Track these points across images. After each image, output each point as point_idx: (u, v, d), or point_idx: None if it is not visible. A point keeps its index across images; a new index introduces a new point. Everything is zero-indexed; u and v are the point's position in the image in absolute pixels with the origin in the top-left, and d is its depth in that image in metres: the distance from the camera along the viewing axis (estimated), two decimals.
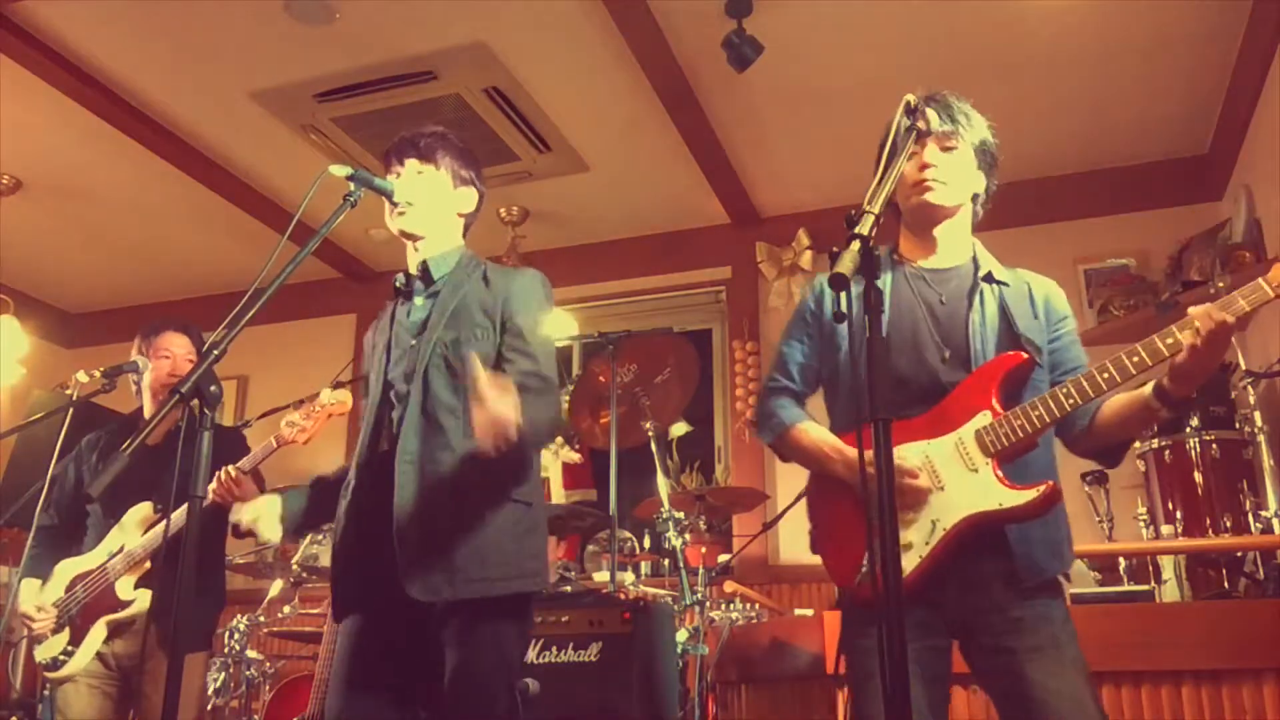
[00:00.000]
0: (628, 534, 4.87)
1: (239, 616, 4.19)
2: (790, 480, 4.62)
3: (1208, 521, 3.44)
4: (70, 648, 2.80)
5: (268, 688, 4.10)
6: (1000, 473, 1.79)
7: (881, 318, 1.48)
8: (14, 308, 5.47)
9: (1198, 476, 3.52)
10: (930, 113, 1.93)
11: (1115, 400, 1.85)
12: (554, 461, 4.82)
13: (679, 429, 5.14)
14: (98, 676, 2.82)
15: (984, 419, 1.81)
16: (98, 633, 2.80)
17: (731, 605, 3.80)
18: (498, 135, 4.60)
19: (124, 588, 2.81)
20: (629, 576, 3.82)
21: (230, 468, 2.53)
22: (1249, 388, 3.48)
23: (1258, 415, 3.46)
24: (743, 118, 4.50)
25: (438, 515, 1.99)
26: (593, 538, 4.75)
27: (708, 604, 3.55)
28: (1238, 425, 3.52)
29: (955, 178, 1.94)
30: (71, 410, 3.04)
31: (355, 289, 6.00)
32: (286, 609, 4.26)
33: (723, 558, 4.46)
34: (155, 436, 2.88)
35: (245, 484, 2.53)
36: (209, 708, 4.00)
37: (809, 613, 3.88)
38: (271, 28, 3.90)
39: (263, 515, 2.15)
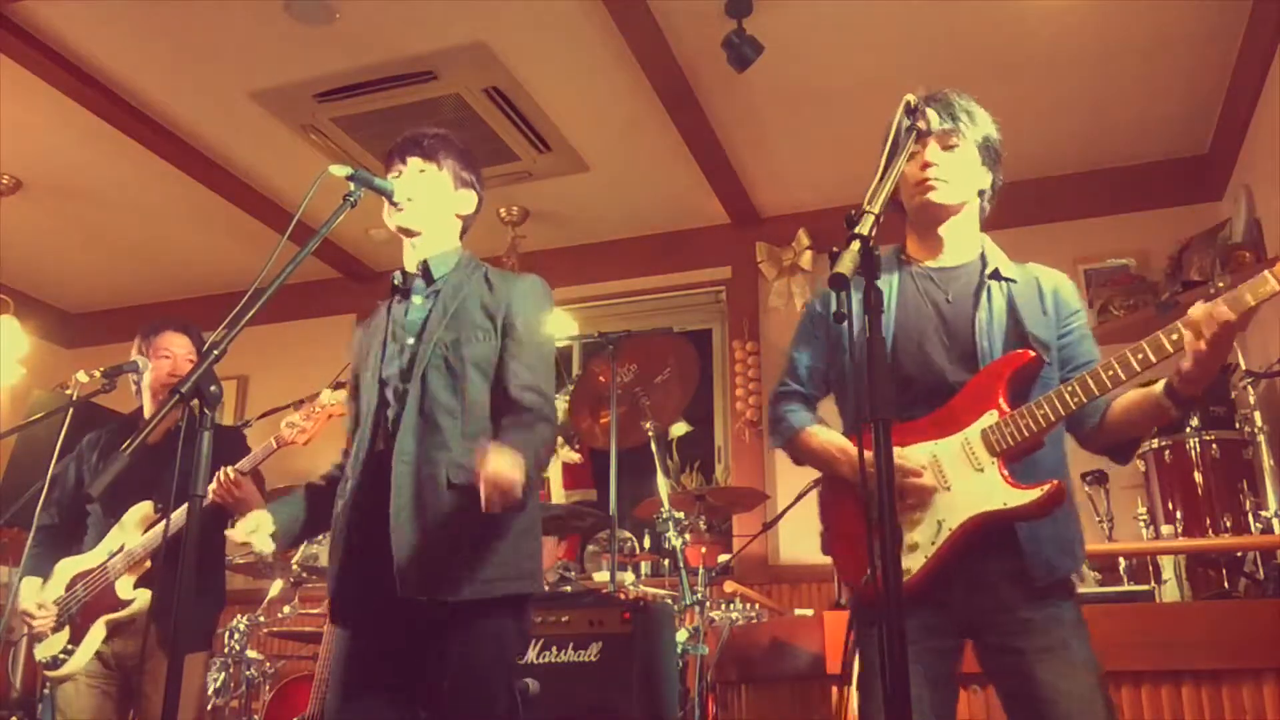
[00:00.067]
0: (628, 534, 4.87)
1: (239, 616, 4.19)
2: (790, 480, 4.62)
3: (1208, 521, 3.44)
4: (70, 646, 2.80)
5: (268, 688, 4.10)
6: (1006, 472, 1.78)
7: (882, 318, 1.48)
8: (14, 308, 5.47)
9: (1198, 476, 3.52)
10: (930, 112, 1.92)
11: (1125, 398, 1.84)
12: (554, 461, 4.82)
13: (679, 429, 5.14)
14: (97, 676, 2.82)
15: (991, 418, 1.81)
16: (97, 632, 2.80)
17: (731, 605, 3.80)
18: (498, 135, 4.60)
19: (124, 587, 2.81)
20: (629, 576, 3.82)
21: (229, 469, 2.53)
22: (1249, 388, 3.48)
23: (1258, 415, 3.46)
24: (743, 118, 4.50)
25: (434, 516, 1.99)
26: (593, 538, 4.75)
27: (708, 604, 3.55)
28: (1238, 425, 3.52)
29: (957, 176, 1.94)
30: (71, 410, 3.04)
31: (355, 289, 6.00)
32: (286, 609, 4.26)
33: (723, 558, 4.46)
34: (155, 436, 2.88)
35: (244, 485, 2.53)
36: (209, 708, 4.00)
37: (809, 613, 3.88)
38: (271, 28, 3.90)
39: (255, 533, 2.11)
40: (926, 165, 1.92)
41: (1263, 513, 3.32)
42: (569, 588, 3.44)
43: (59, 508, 3.01)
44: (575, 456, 4.87)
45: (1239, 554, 3.35)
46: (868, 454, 1.40)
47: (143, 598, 2.81)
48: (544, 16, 3.85)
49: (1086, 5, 3.75)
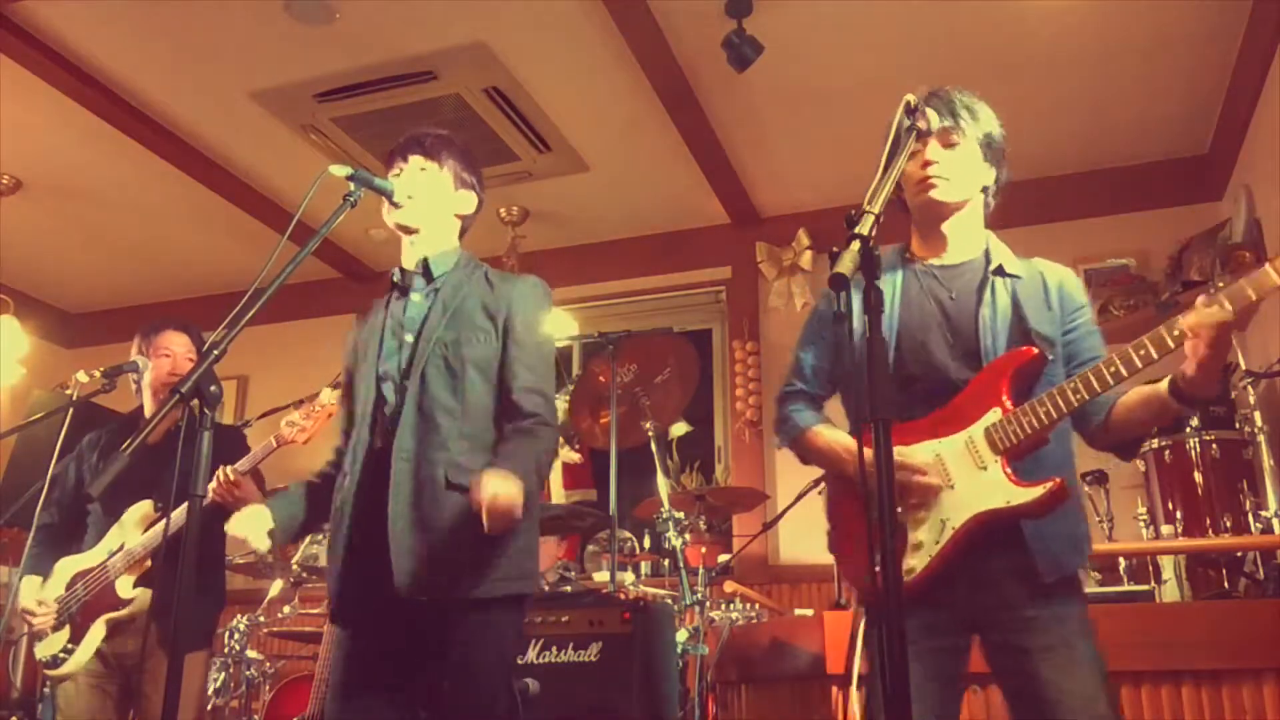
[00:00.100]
0: (628, 534, 4.87)
1: (239, 616, 4.19)
2: (790, 480, 4.62)
3: (1208, 521, 3.44)
4: (70, 645, 2.80)
5: (268, 688, 4.10)
6: (1009, 470, 1.78)
7: (881, 318, 1.48)
8: (14, 308, 5.47)
9: (1198, 476, 3.52)
10: (930, 112, 1.92)
11: (1130, 395, 1.84)
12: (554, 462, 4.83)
13: (679, 429, 5.14)
14: (98, 675, 2.82)
15: (994, 416, 1.80)
16: (98, 631, 2.80)
17: (731, 605, 3.80)
18: (498, 135, 4.60)
19: (124, 586, 2.81)
20: (629, 576, 3.82)
21: (229, 468, 2.53)
22: (1249, 388, 3.48)
23: (1258, 415, 3.46)
24: (743, 118, 4.50)
25: (433, 516, 1.99)
26: (593, 538, 4.75)
27: (708, 604, 3.55)
28: (1238, 425, 3.52)
29: (958, 173, 1.94)
30: (71, 410, 3.04)
31: (355, 289, 6.00)
32: (286, 609, 4.26)
33: (723, 558, 4.46)
34: (155, 435, 2.88)
35: (244, 484, 2.53)
36: (209, 707, 4.00)
37: (809, 613, 3.87)
38: (271, 28, 3.90)
39: (250, 530, 2.10)
40: (927, 163, 1.92)
41: (1263, 513, 3.32)
42: (569, 588, 3.44)
43: (59, 507, 3.01)
44: (575, 456, 4.87)
45: (1239, 554, 3.35)
46: (867, 453, 1.40)
47: (143, 597, 2.81)
48: (544, 16, 3.85)
49: (1086, 5, 3.75)
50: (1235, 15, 3.73)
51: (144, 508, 2.87)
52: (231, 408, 5.98)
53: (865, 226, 1.50)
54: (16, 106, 4.34)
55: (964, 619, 1.83)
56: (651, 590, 3.86)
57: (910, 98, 1.81)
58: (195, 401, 1.68)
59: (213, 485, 2.50)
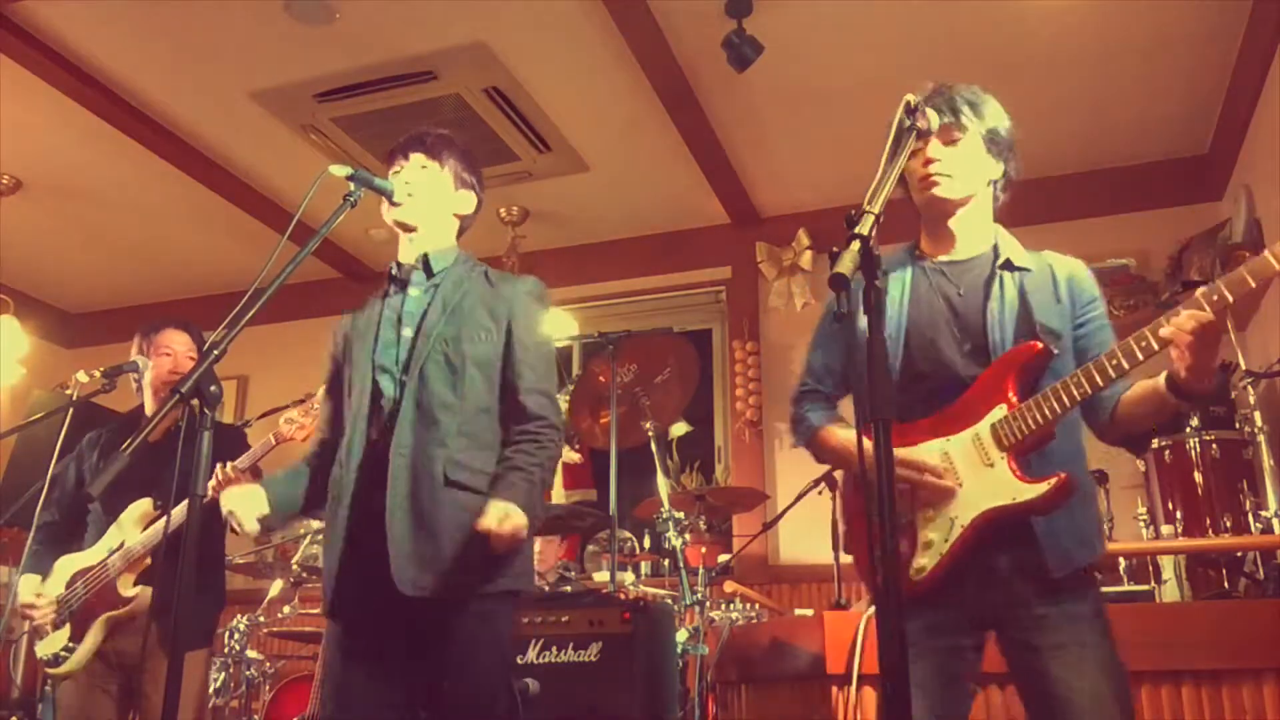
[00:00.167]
0: (628, 534, 4.87)
1: (239, 616, 4.19)
2: (790, 480, 4.62)
3: (1208, 521, 3.44)
4: (71, 644, 2.80)
5: (268, 688, 4.10)
6: (1015, 465, 1.78)
7: (881, 318, 1.47)
8: (14, 308, 5.47)
9: (1198, 476, 3.51)
10: (930, 111, 1.92)
11: (1134, 389, 1.83)
12: None
13: (679, 429, 5.14)
14: (98, 674, 2.82)
15: (1000, 412, 1.80)
16: (98, 629, 2.80)
17: (731, 605, 3.80)
18: (498, 135, 4.60)
19: (124, 585, 2.81)
20: (629, 576, 3.82)
21: (228, 466, 2.53)
22: (1249, 388, 3.48)
23: (1258, 415, 3.45)
24: (743, 118, 4.50)
25: (431, 513, 1.99)
26: (593, 538, 4.75)
27: (708, 604, 3.55)
28: (1238, 425, 3.52)
29: (960, 169, 1.93)
30: (71, 410, 3.04)
31: (355, 289, 5.99)
32: (286, 609, 4.26)
33: (723, 558, 4.46)
34: (156, 435, 2.87)
35: (243, 481, 2.53)
36: (209, 707, 4.00)
37: (809, 613, 3.87)
38: (271, 28, 3.90)
39: (241, 507, 2.08)
40: (928, 161, 1.92)
41: (1263, 513, 3.32)
42: (569, 588, 3.44)
43: (59, 507, 3.01)
44: (575, 456, 4.87)
45: (1239, 554, 3.35)
46: (868, 452, 1.40)
47: (143, 595, 2.81)
48: (544, 16, 3.85)
49: (1086, 5, 3.75)
50: (1235, 15, 3.73)
51: (142, 506, 2.87)
52: (231, 408, 5.98)
53: (865, 226, 1.49)
54: (16, 106, 4.34)
55: (976, 617, 1.82)
56: (651, 590, 3.86)
57: (910, 97, 1.80)
58: (195, 401, 1.68)
59: (212, 483, 2.50)
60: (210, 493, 2.49)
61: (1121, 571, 3.54)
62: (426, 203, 2.21)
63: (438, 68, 4.16)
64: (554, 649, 3.03)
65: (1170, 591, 3.37)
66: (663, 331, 5.11)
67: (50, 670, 2.83)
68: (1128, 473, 3.84)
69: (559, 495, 4.79)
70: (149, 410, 3.06)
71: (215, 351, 1.73)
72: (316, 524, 3.87)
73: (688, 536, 3.76)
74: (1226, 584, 3.41)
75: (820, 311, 2.17)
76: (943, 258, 1.98)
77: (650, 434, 3.95)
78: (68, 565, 2.89)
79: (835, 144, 4.63)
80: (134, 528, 2.85)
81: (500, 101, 4.39)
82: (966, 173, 1.94)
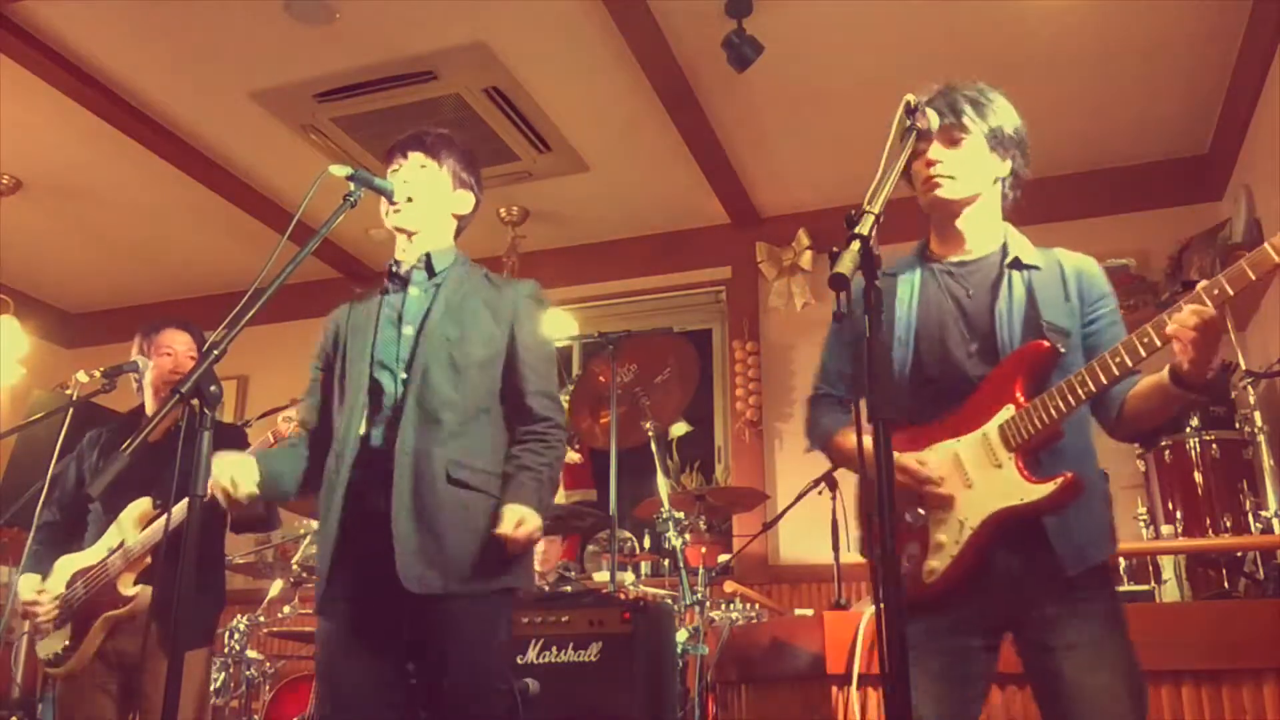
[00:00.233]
0: (628, 534, 4.87)
1: (239, 616, 4.19)
2: (790, 480, 4.63)
3: (1208, 521, 3.44)
4: (71, 644, 2.80)
5: (268, 688, 4.10)
6: (1023, 465, 1.77)
7: (881, 318, 1.47)
8: (14, 308, 5.47)
9: (1198, 476, 3.51)
10: (930, 112, 1.91)
11: (1141, 385, 1.82)
12: None
13: (679, 429, 5.14)
14: (99, 674, 2.81)
15: (1007, 412, 1.79)
16: (98, 629, 2.80)
17: (731, 605, 3.80)
18: (498, 135, 4.60)
19: (124, 584, 2.81)
20: (629, 576, 3.82)
21: None
22: (1249, 388, 3.48)
23: (1258, 415, 3.45)
24: (743, 118, 4.50)
25: (434, 512, 2.00)
26: (593, 538, 4.75)
27: (708, 604, 3.55)
28: (1238, 425, 3.52)
29: (963, 170, 1.91)
30: (71, 410, 3.04)
31: (355, 289, 5.99)
32: (286, 609, 4.26)
33: (723, 558, 4.46)
34: (156, 434, 2.87)
35: None
36: (209, 706, 4.00)
37: (809, 613, 3.87)
38: (271, 28, 3.90)
39: (235, 473, 2.02)
40: (931, 163, 1.91)
41: (1263, 513, 3.32)
42: (569, 588, 3.44)
43: (59, 506, 3.01)
44: (575, 456, 4.87)
45: (1239, 554, 3.35)
46: (868, 454, 1.40)
47: (143, 594, 2.80)
48: (544, 16, 3.85)
49: (1086, 5, 3.75)
50: (1235, 15, 3.73)
51: (141, 505, 2.87)
52: (231, 407, 5.98)
53: (865, 226, 1.49)
54: (16, 106, 4.34)
55: (990, 618, 1.82)
56: (651, 590, 3.86)
57: (910, 97, 1.80)
58: (195, 401, 1.69)
59: (211, 481, 2.49)
60: (210, 493, 2.49)
61: (1121, 571, 3.54)
62: (426, 203, 2.22)
63: (438, 68, 4.16)
64: (554, 649, 3.03)
65: (1170, 591, 3.37)
66: (663, 331, 5.11)
67: (50, 670, 2.83)
68: (1128, 473, 3.83)
69: (559, 495, 4.79)
70: (149, 410, 3.06)
71: (215, 351, 1.73)
72: (316, 524, 3.87)
73: (688, 536, 3.76)
74: (1226, 584, 3.41)
75: (825, 313, 2.18)
76: (952, 258, 1.97)
77: (650, 434, 3.95)
78: (68, 565, 2.89)
79: (835, 144, 4.63)
80: (133, 527, 2.85)
81: (500, 101, 4.39)
82: (969, 173, 1.93)
